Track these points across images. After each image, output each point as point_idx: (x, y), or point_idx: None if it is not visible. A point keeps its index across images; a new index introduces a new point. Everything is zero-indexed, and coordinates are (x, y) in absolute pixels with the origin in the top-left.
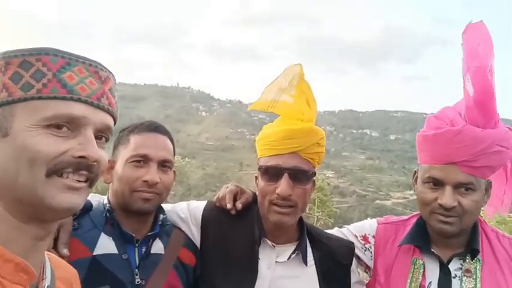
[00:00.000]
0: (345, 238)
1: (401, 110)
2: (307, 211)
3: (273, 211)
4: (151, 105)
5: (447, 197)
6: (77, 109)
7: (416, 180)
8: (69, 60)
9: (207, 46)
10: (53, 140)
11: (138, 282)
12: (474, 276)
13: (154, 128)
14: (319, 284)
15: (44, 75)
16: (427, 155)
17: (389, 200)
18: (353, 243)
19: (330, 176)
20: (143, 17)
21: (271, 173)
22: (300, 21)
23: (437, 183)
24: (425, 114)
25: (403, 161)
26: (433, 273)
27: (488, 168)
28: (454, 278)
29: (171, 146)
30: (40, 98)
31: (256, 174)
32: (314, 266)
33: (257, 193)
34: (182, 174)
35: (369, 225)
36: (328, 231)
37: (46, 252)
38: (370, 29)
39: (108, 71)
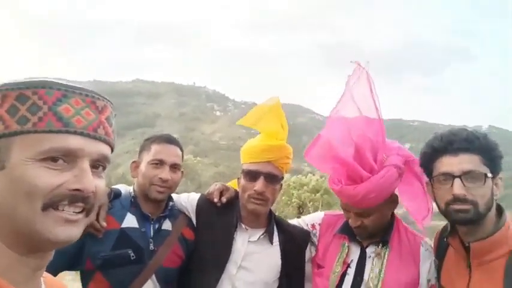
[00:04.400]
0: (299, 226)
1: (418, 120)
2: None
3: (250, 202)
4: (166, 102)
5: (353, 222)
6: (73, 142)
7: None
8: (66, 92)
9: (225, 47)
10: (48, 174)
11: (152, 248)
12: (382, 258)
13: (168, 140)
14: (281, 259)
15: (39, 109)
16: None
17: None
18: (309, 231)
19: None
20: (164, 16)
21: (251, 175)
22: (319, 27)
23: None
24: (442, 125)
25: None
26: (355, 254)
27: (375, 201)
28: (369, 258)
29: (180, 153)
30: (36, 131)
31: (239, 177)
32: (278, 246)
33: (239, 189)
34: (194, 172)
35: (317, 216)
36: (289, 220)
37: (44, 276)
38: (391, 39)
39: (106, 99)
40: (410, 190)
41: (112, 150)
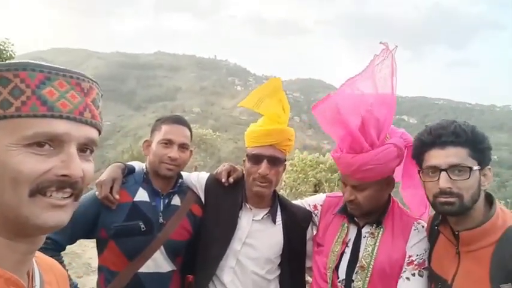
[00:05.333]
0: (302, 206)
1: (443, 98)
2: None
3: (255, 185)
4: (188, 75)
5: (348, 195)
6: (58, 126)
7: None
8: (49, 75)
9: (247, 19)
10: (34, 160)
11: (161, 221)
12: (376, 238)
13: (178, 120)
14: (283, 237)
15: (22, 93)
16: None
17: None
18: (311, 211)
19: None
20: None
21: (255, 159)
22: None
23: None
24: (469, 104)
25: None
26: (352, 233)
27: (371, 175)
28: (364, 237)
29: (189, 133)
30: (19, 116)
31: (244, 159)
32: (281, 225)
33: (244, 172)
34: (213, 147)
35: (319, 198)
36: (293, 201)
37: (35, 256)
38: (418, 8)
39: (92, 80)
40: (413, 183)
41: (100, 133)
